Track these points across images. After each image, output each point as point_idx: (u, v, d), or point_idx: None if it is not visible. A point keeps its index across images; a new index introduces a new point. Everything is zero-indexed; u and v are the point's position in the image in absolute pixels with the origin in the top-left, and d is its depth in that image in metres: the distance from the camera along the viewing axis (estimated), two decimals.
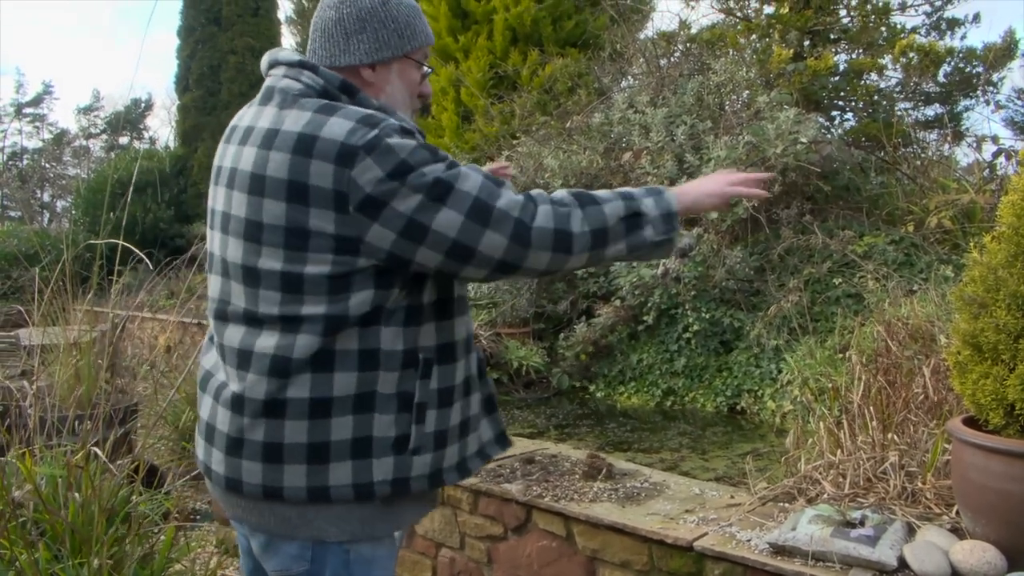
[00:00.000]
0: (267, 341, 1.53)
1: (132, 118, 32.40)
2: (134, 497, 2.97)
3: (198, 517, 4.78)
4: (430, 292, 1.60)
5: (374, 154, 1.45)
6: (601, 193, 1.59)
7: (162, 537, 2.98)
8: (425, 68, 1.73)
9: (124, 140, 32.56)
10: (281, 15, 16.77)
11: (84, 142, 33.43)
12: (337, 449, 1.55)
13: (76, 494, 2.73)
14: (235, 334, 1.58)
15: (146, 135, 33.33)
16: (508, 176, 2.21)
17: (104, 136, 33.29)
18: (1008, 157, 6.95)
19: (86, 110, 34.07)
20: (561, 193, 1.57)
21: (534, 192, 1.56)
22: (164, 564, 2.84)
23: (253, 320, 1.56)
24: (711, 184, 1.70)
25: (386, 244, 1.48)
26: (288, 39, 18.75)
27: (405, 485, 1.60)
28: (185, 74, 16.02)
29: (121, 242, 3.64)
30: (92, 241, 3.98)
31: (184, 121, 16.14)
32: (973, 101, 8.86)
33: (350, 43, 1.62)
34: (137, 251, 3.56)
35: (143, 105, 33.32)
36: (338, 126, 1.47)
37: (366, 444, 1.56)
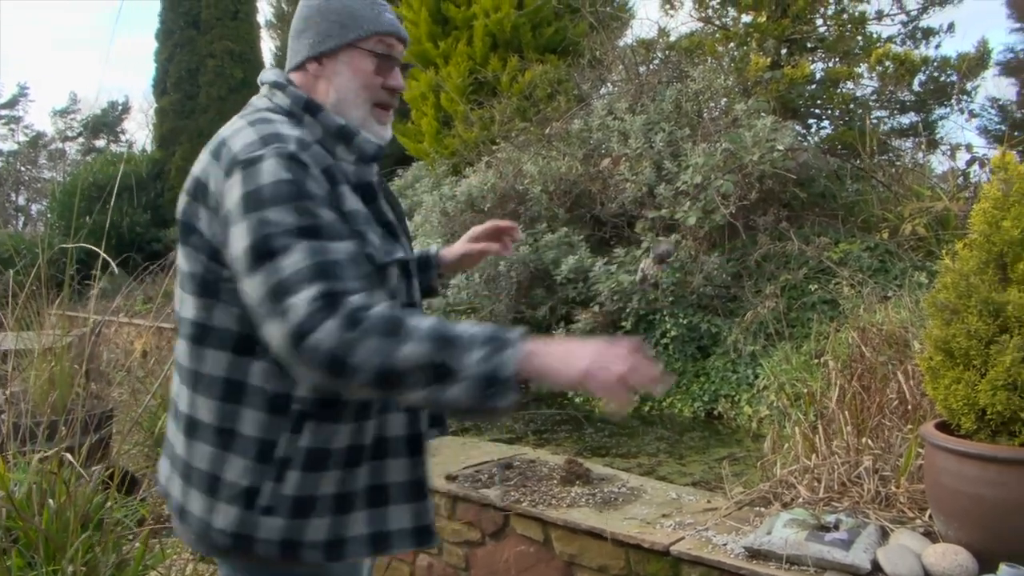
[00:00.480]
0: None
1: (109, 121, 32.10)
2: (109, 503, 2.95)
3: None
4: None
5: (246, 171, 1.40)
6: (421, 325, 1.30)
7: (137, 544, 2.96)
8: (385, 56, 1.60)
9: (101, 143, 32.28)
10: (261, 19, 16.73)
11: (60, 145, 33.10)
12: (197, 476, 1.49)
13: (50, 500, 2.71)
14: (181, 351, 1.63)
15: (123, 138, 33.06)
16: (515, 240, 2.02)
17: (80, 139, 32.97)
18: (982, 165, 7.05)
19: (62, 112, 33.74)
20: (380, 311, 1.31)
21: (354, 299, 1.32)
22: (139, 571, 2.82)
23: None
24: (581, 359, 1.30)
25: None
26: (268, 43, 18.68)
27: (248, 544, 1.46)
28: (163, 77, 15.90)
29: (90, 247, 3.62)
30: (64, 245, 3.95)
31: (162, 125, 16.01)
32: (947, 110, 8.97)
33: (298, 42, 1.60)
34: (107, 257, 3.53)
35: (120, 108, 33.01)
36: (245, 136, 1.45)
37: (215, 483, 1.46)
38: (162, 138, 15.97)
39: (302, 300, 1.30)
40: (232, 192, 1.40)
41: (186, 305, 1.51)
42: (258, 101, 1.60)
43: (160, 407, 5.50)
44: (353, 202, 1.49)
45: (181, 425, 1.53)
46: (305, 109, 1.55)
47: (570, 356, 1.31)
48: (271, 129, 1.46)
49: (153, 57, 16.08)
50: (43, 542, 2.57)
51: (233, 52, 15.69)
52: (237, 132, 1.48)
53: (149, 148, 18.35)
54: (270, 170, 1.39)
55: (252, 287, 1.36)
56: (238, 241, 1.38)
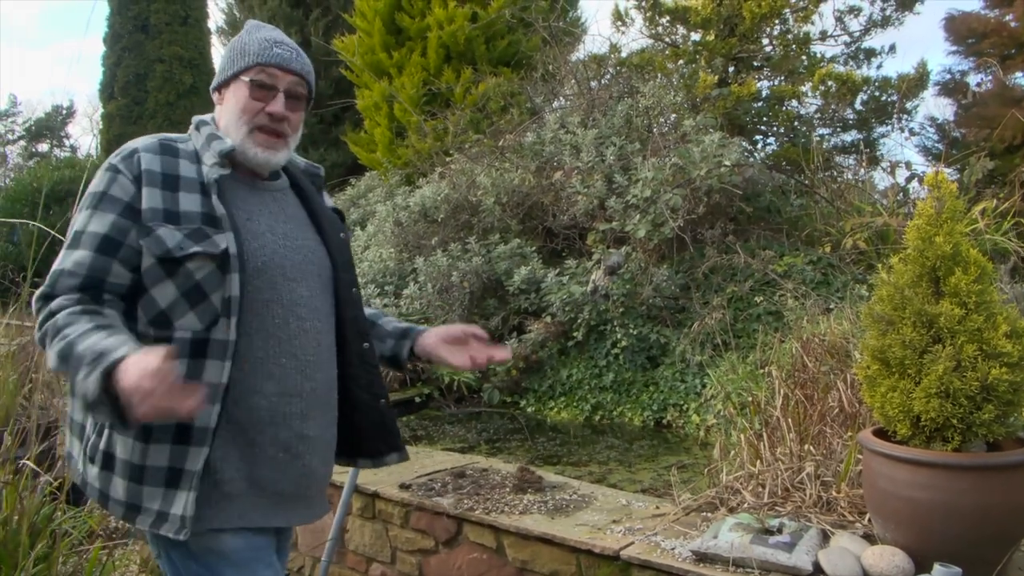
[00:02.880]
0: None
1: (52, 125, 31.36)
2: (58, 514, 2.91)
3: (119, 536, 4.67)
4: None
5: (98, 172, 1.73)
6: (65, 336, 1.52)
7: (85, 557, 2.93)
8: (262, 84, 1.76)
9: (43, 147, 31.50)
10: (212, 25, 16.54)
11: (0, 149, 32.17)
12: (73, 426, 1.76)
13: None
14: None
15: (67, 143, 32.31)
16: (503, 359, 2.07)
17: (22, 143, 32.11)
18: (920, 182, 7.27)
19: (2, 115, 32.83)
20: (56, 318, 1.57)
21: (54, 302, 1.60)
22: None
23: None
24: (127, 377, 1.40)
25: None
26: (219, 49, 18.40)
27: (104, 500, 1.67)
28: (111, 82, 15.61)
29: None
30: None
31: (109, 130, 15.70)
32: (888, 128, 9.23)
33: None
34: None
35: (64, 112, 32.27)
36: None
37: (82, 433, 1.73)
38: (109, 144, 15.65)
39: (39, 289, 1.64)
40: None
41: None
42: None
43: None
44: (170, 201, 1.68)
45: None
46: (198, 125, 1.81)
47: (126, 372, 1.41)
48: (130, 143, 1.75)
49: (100, 61, 15.79)
50: None
51: (182, 58, 15.49)
52: None
53: (95, 153, 17.96)
54: (96, 178, 1.71)
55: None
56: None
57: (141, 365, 1.39)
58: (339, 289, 1.87)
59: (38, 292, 1.62)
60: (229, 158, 1.75)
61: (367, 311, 2.01)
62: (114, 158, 1.70)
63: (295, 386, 1.74)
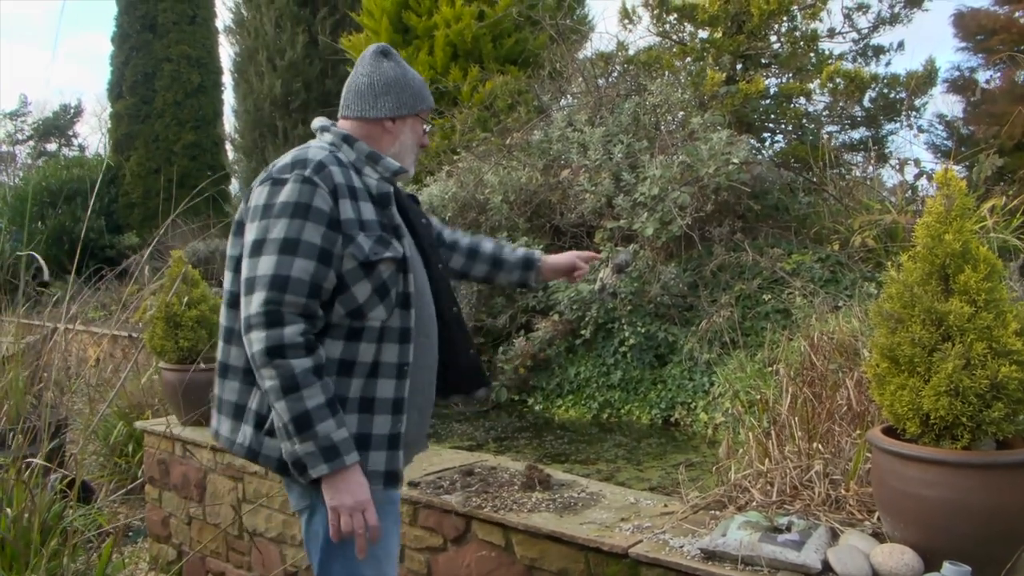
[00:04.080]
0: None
1: (60, 124, 31.45)
2: (68, 512, 2.93)
3: (131, 533, 4.70)
4: None
5: (273, 187, 1.97)
6: (307, 398, 1.87)
7: (95, 554, 2.95)
8: (427, 125, 2.31)
9: (52, 147, 31.60)
10: (219, 24, 16.55)
11: (10, 148, 32.27)
12: (227, 407, 2.10)
13: (8, 509, 2.69)
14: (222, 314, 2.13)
15: (75, 142, 32.40)
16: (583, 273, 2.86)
17: (31, 142, 32.20)
18: (929, 179, 7.24)
19: (12, 115, 32.92)
20: (298, 364, 1.87)
21: (289, 331, 1.87)
22: None
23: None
24: (345, 499, 1.92)
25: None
26: (226, 48, 18.45)
27: (253, 457, 2.02)
28: (119, 81, 15.66)
29: (35, 254, 3.60)
30: (20, 252, 3.96)
31: (117, 129, 15.75)
32: (897, 125, 9.17)
33: (378, 102, 2.16)
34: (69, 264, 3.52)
35: (72, 111, 32.35)
36: (283, 160, 2.04)
37: (240, 411, 2.05)
38: (117, 143, 15.72)
39: (256, 300, 1.88)
40: (259, 197, 1.99)
41: (227, 279, 2.07)
42: (312, 141, 2.15)
43: (116, 415, 5.44)
44: (357, 210, 2.02)
45: (216, 370, 2.09)
46: (344, 140, 2.14)
47: (342, 493, 1.91)
48: (302, 154, 2.03)
49: (109, 60, 15.85)
50: (1, 550, 2.55)
51: (190, 57, 15.53)
52: (282, 158, 2.05)
53: (103, 152, 18.01)
54: (287, 191, 1.95)
55: (244, 268, 1.95)
56: (249, 234, 1.98)
57: (365, 495, 1.93)
58: (431, 267, 2.24)
59: (265, 296, 1.86)
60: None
61: (481, 240, 2.63)
62: (305, 170, 1.97)
63: (431, 360, 2.18)
